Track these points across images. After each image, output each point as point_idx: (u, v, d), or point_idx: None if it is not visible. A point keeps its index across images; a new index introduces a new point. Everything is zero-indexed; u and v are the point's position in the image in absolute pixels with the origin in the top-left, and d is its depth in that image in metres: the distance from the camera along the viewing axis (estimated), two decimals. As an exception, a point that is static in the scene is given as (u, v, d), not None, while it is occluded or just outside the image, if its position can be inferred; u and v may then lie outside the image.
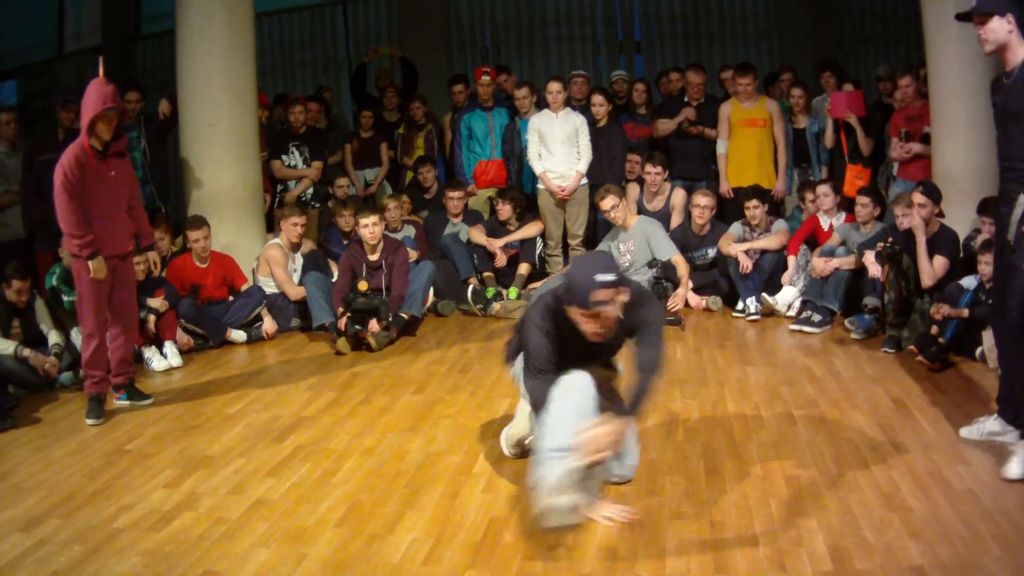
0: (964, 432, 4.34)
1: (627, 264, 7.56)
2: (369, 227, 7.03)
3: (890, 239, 6.16)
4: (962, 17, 4.21)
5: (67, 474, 4.43)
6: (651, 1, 12.52)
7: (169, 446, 4.76)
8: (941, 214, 6.17)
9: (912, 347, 5.74)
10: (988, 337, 5.30)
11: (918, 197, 6.09)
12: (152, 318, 6.50)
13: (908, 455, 4.15)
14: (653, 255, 7.45)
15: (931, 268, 6.00)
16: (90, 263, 5.17)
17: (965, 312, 5.53)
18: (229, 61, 7.68)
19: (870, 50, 12.18)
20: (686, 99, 8.71)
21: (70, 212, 5.08)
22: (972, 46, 6.55)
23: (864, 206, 6.88)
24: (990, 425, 4.27)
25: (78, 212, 5.10)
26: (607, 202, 7.50)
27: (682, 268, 7.42)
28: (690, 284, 7.50)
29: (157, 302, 6.58)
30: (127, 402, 5.55)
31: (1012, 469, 3.86)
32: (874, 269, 6.32)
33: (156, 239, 6.19)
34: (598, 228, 8.38)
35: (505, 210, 8.21)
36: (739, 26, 12.42)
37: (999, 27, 3.99)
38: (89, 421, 5.24)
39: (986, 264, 5.63)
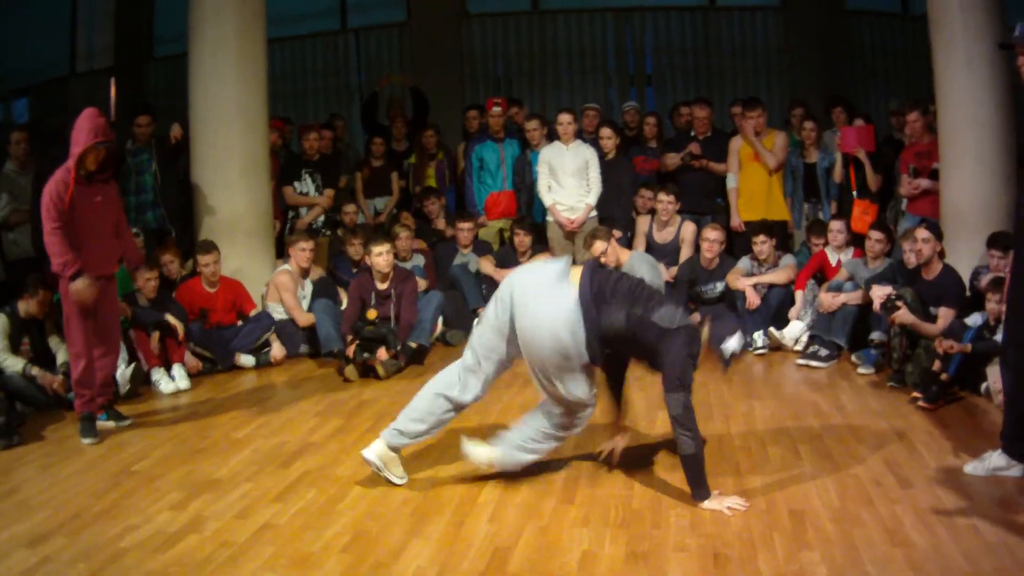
0: (969, 468, 4.32)
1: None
2: (383, 255, 6.99)
3: (892, 294, 6.10)
4: (1005, 46, 4.15)
5: (73, 493, 4.45)
6: (663, 35, 12.64)
7: (176, 468, 4.78)
8: (942, 253, 6.17)
9: (914, 392, 5.66)
10: (992, 372, 5.31)
11: (921, 233, 6.10)
12: (156, 335, 6.54)
13: (912, 490, 4.15)
14: None
15: (935, 327, 5.93)
16: (72, 284, 5.17)
17: (969, 347, 5.52)
18: (241, 86, 7.74)
19: (879, 85, 12.27)
20: (693, 133, 8.77)
21: (54, 236, 5.13)
22: (982, 80, 6.67)
23: (877, 241, 6.90)
24: (995, 460, 4.26)
25: (62, 236, 5.14)
26: (596, 248, 7.36)
27: None
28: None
29: (174, 319, 6.62)
30: (109, 422, 5.55)
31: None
32: (879, 302, 6.30)
33: (160, 262, 6.20)
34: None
35: (524, 241, 8.20)
36: (750, 61, 12.54)
37: None
38: (87, 440, 5.26)
39: (995, 303, 5.63)
